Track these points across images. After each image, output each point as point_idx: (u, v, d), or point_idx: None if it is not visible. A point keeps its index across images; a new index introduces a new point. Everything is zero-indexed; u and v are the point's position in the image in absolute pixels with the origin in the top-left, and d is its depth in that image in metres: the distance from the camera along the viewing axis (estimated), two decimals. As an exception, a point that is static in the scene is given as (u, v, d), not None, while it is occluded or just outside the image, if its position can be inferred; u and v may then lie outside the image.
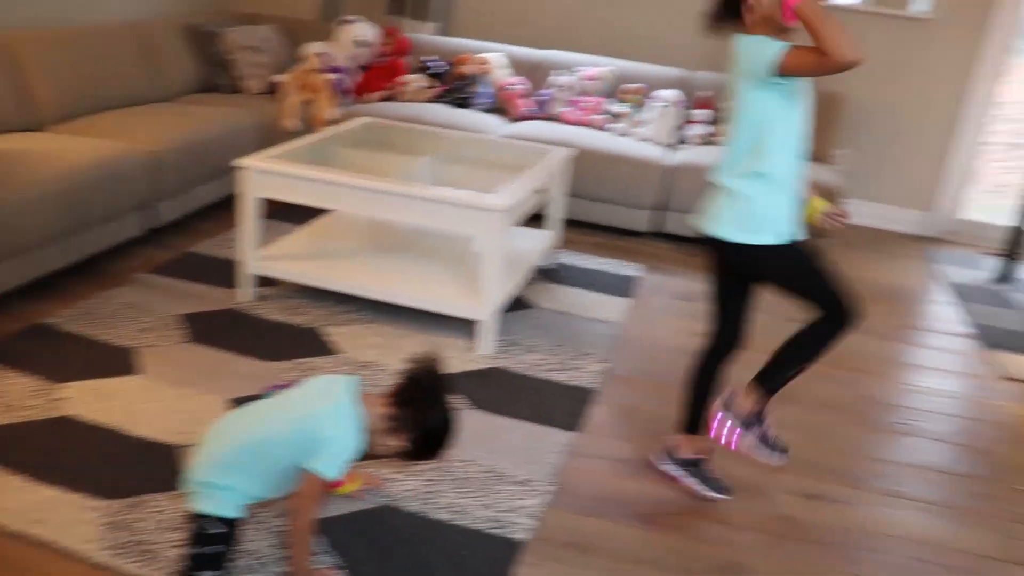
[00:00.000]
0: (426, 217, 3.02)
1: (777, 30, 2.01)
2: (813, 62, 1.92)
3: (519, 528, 2.21)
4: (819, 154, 4.69)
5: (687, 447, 2.43)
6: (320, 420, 1.87)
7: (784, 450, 2.29)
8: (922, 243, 5.18)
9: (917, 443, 2.87)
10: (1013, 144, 7.57)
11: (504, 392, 2.85)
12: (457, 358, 3.03)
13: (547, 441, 2.60)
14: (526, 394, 2.85)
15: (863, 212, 5.33)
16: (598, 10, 5.32)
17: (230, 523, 1.88)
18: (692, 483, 2.42)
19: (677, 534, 2.29)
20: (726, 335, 2.34)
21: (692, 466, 2.43)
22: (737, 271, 2.26)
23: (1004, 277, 4.60)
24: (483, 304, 3.04)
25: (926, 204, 5.31)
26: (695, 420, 2.41)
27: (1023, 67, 6.94)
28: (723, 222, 2.15)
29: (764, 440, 2.25)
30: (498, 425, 2.65)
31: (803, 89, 2.08)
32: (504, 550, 2.13)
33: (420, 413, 1.89)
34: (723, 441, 2.26)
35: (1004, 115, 7.20)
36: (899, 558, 2.29)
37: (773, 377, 2.22)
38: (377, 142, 3.84)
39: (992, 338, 3.80)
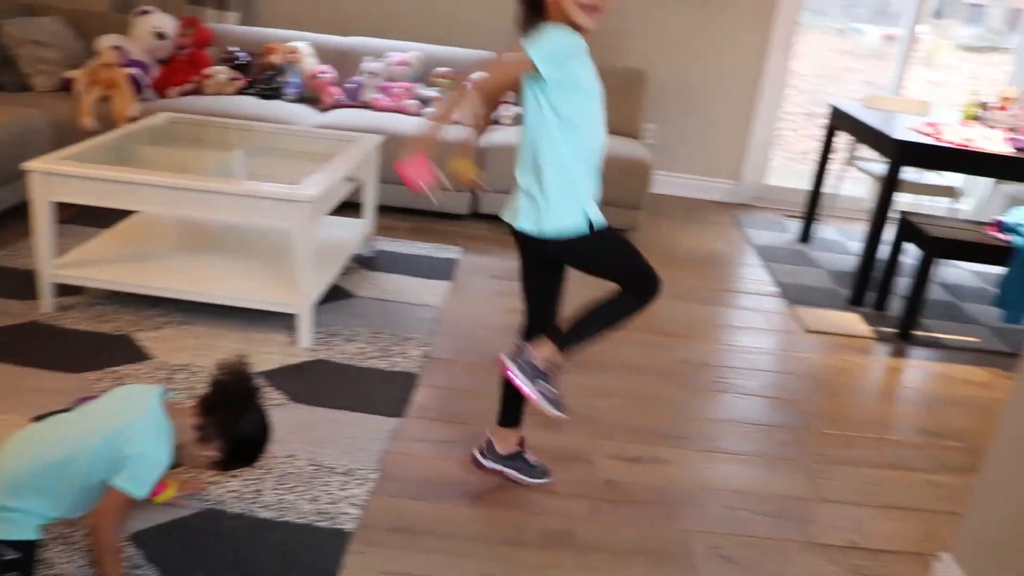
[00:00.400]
0: (233, 212, 2.98)
1: (563, 16, 1.98)
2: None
3: (346, 518, 2.24)
4: (628, 130, 4.91)
5: (506, 441, 2.46)
6: (126, 435, 1.81)
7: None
8: (732, 209, 5.52)
9: (732, 400, 3.09)
10: (809, 113, 8.16)
11: (325, 384, 2.86)
12: (276, 353, 3.02)
13: (370, 429, 2.64)
14: (347, 384, 2.88)
15: (675, 184, 5.62)
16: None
17: (28, 547, 1.80)
18: (514, 474, 2.46)
19: (504, 508, 2.38)
20: (540, 325, 2.34)
21: (512, 459, 2.47)
22: (542, 259, 2.28)
23: (804, 237, 4.98)
24: (299, 297, 3.03)
25: (734, 173, 5.66)
26: (511, 413, 2.45)
27: (810, 42, 7.46)
28: (524, 216, 2.14)
29: (548, 396, 2.25)
30: (320, 417, 2.67)
31: (587, 88, 2.08)
32: (333, 541, 2.16)
33: (227, 420, 1.88)
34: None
35: (799, 87, 7.72)
36: (719, 509, 2.46)
37: (568, 338, 2.23)
38: (180, 138, 3.74)
39: (795, 295, 4.11)
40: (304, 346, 3.08)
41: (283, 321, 3.17)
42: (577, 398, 2.87)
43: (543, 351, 2.23)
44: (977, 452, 2.85)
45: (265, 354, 3.01)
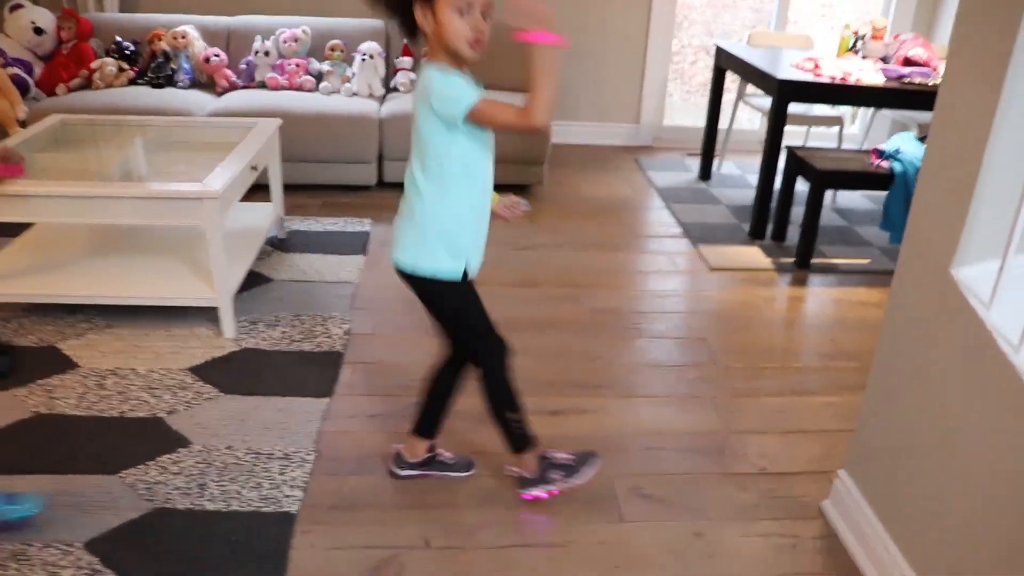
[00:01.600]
0: (139, 216, 2.99)
1: (453, 58, 1.93)
2: (506, 120, 1.89)
3: (290, 501, 2.33)
4: (524, 86, 4.99)
5: (414, 450, 2.46)
6: None
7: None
8: (634, 153, 5.68)
9: (644, 344, 3.25)
10: (704, 47, 8.32)
11: (252, 372, 2.93)
12: (202, 347, 3.07)
13: (302, 412, 2.73)
14: (275, 370, 2.95)
15: (576, 132, 5.75)
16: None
17: None
18: (437, 475, 2.50)
19: (435, 473, 2.51)
20: (454, 348, 2.33)
21: (425, 464, 2.48)
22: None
23: (705, 175, 5.16)
24: (217, 290, 3.08)
25: (632, 116, 5.80)
26: (427, 424, 2.43)
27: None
28: (400, 249, 2.11)
29: (568, 476, 2.38)
30: (252, 406, 2.75)
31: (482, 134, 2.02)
32: (280, 525, 2.25)
33: None
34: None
35: (693, 19, 7.87)
36: (638, 452, 2.62)
37: (514, 440, 2.33)
38: (75, 140, 3.69)
39: (699, 234, 4.30)
40: (228, 337, 3.14)
41: (205, 314, 3.21)
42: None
43: (526, 464, 2.37)
44: (869, 370, 3.08)
45: (191, 349, 3.06)
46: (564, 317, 3.42)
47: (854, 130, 5.95)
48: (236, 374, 2.92)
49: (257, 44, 4.80)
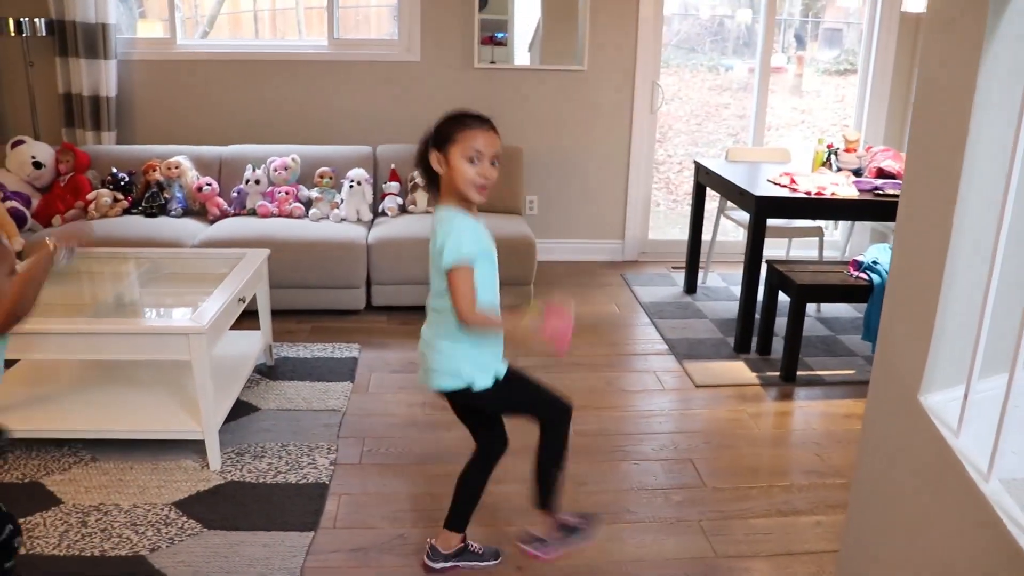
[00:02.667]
0: (125, 351, 3.03)
1: (462, 199, 2.23)
2: (457, 304, 2.19)
3: (269, 642, 2.31)
4: (511, 207, 5.12)
5: (448, 542, 2.58)
6: None
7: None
8: (620, 268, 5.76)
9: (629, 467, 3.24)
10: (689, 155, 8.54)
11: (237, 506, 2.92)
12: (187, 481, 3.06)
13: (286, 547, 2.70)
14: (260, 503, 2.94)
15: (563, 249, 5.85)
16: (276, 102, 5.48)
17: None
18: (468, 565, 2.60)
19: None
20: (487, 442, 2.55)
21: (458, 555, 2.59)
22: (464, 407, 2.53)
23: (690, 288, 5.23)
24: (202, 424, 3.09)
25: (617, 232, 5.91)
26: (459, 518, 2.57)
27: (685, 81, 7.86)
28: (438, 375, 2.35)
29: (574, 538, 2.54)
30: (235, 541, 2.72)
31: (490, 254, 2.30)
32: (257, 668, 2.22)
33: None
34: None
35: (678, 128, 8.09)
36: (616, 579, 2.59)
37: (543, 499, 2.50)
38: (66, 272, 3.74)
39: (684, 350, 4.33)
40: (214, 469, 3.14)
41: (192, 446, 3.22)
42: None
43: (544, 524, 2.52)
44: (858, 486, 3.07)
45: (177, 483, 3.06)
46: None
47: (836, 236, 6.06)
48: (221, 508, 2.91)
49: (248, 173, 4.93)
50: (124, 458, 3.20)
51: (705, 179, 4.95)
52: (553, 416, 2.44)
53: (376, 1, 5.95)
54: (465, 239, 2.18)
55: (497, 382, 2.35)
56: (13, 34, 5.03)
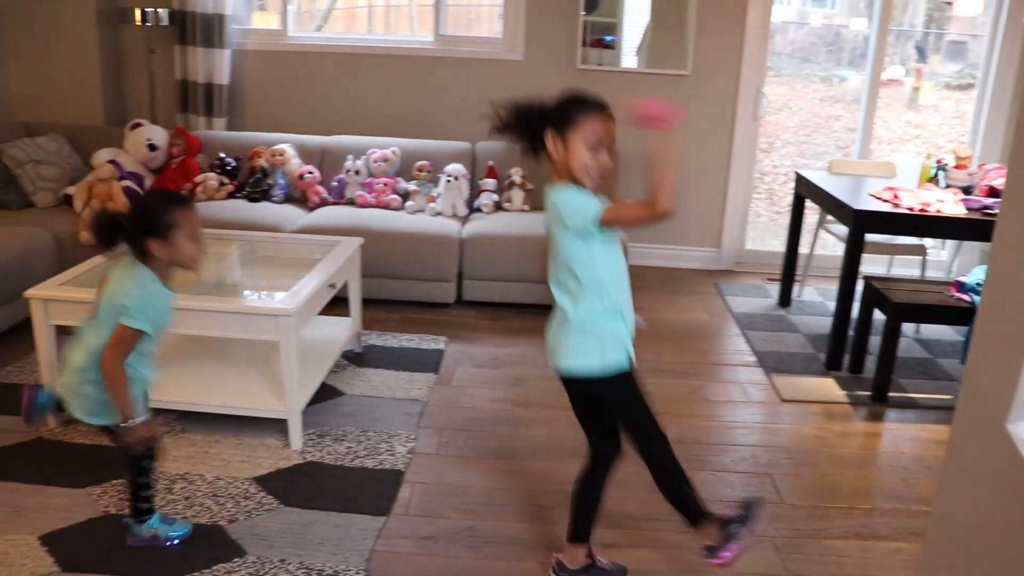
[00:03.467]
0: (218, 328, 3.15)
1: (571, 176, 2.15)
2: (636, 215, 2.11)
3: (334, 620, 2.36)
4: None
5: (575, 557, 2.51)
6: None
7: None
8: (714, 277, 5.68)
9: (707, 477, 3.18)
10: (795, 166, 8.36)
11: (314, 486, 3.00)
12: (269, 458, 3.16)
13: (357, 529, 2.76)
14: (336, 485, 3.01)
15: (656, 255, 5.80)
16: (380, 95, 5.60)
17: None
18: None
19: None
20: (602, 449, 2.44)
21: (587, 571, 2.52)
22: (585, 397, 2.41)
23: (784, 301, 5.12)
24: (287, 404, 3.18)
25: (714, 240, 5.83)
26: (580, 530, 2.49)
27: (797, 92, 7.67)
28: (568, 355, 2.25)
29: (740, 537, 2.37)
30: (308, 520, 2.80)
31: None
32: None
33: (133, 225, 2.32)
34: None
35: (786, 139, 7.92)
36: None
37: (691, 514, 2.39)
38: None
39: (773, 363, 4.24)
40: (295, 449, 3.23)
41: (276, 425, 3.31)
42: (554, 486, 3.00)
43: (707, 533, 2.36)
44: (944, 515, 2.96)
45: (259, 459, 3.16)
46: (627, 446, 3.38)
47: (943, 256, 5.83)
48: (298, 487, 2.99)
49: (348, 163, 5.05)
50: (211, 432, 3.32)
51: (805, 190, 4.84)
52: (656, 434, 2.33)
53: (488, 0, 6.01)
54: (582, 199, 2.12)
55: (625, 372, 2.25)
56: (139, 23, 5.28)
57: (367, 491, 2.98)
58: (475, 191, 5.15)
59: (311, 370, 3.47)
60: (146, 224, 2.29)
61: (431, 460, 3.23)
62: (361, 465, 3.14)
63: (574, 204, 2.12)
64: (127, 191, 4.77)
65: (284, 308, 3.07)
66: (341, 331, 3.89)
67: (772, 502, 3.05)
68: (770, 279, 5.59)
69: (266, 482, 3.01)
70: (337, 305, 3.86)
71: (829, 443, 3.50)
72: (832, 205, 4.34)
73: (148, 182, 5.04)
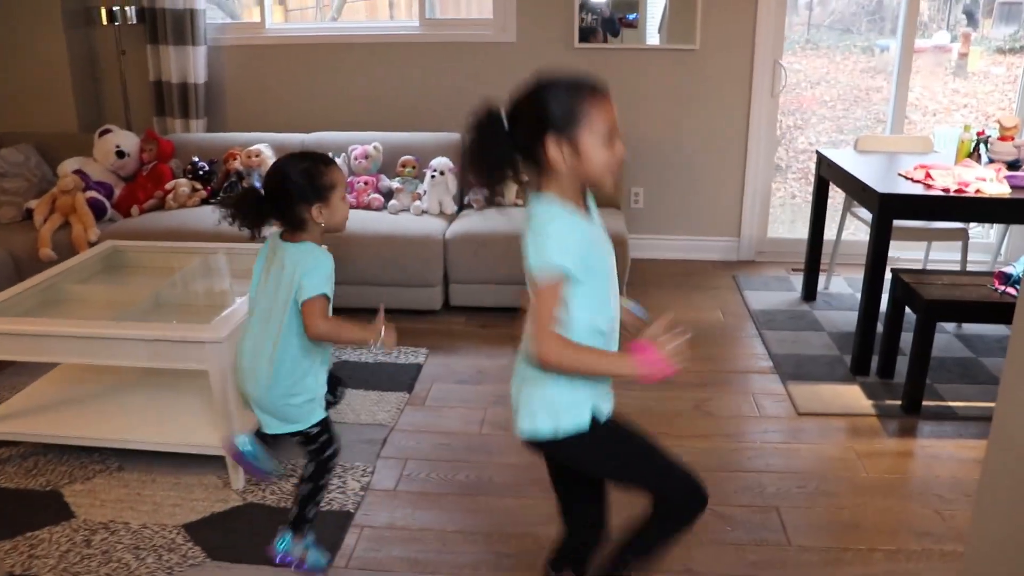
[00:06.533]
0: (142, 358, 2.79)
1: (575, 189, 1.73)
2: (538, 325, 1.66)
3: None
4: (610, 201, 4.65)
5: None
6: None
7: None
8: (733, 268, 5.20)
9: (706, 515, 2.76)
10: (831, 143, 7.82)
11: (249, 534, 2.63)
12: (204, 500, 2.81)
13: (288, 589, 2.40)
14: (273, 532, 2.61)
15: (671, 247, 5.35)
16: (365, 86, 5.22)
17: (325, 422, 2.39)
18: None
19: None
20: (572, 530, 2.05)
21: None
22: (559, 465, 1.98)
23: (809, 294, 4.63)
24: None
25: (733, 229, 5.35)
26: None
27: (836, 64, 7.18)
28: (521, 415, 1.81)
29: None
30: (235, 577, 2.44)
31: (599, 266, 1.77)
32: None
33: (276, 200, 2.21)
34: None
35: (823, 115, 7.41)
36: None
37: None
38: (115, 270, 3.61)
39: (790, 369, 3.77)
40: (236, 488, 2.87)
41: (218, 461, 2.96)
42: (520, 528, 2.60)
43: None
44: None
45: (194, 501, 2.81)
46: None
47: (991, 237, 5.27)
48: (231, 535, 2.63)
49: (328, 162, 4.67)
50: (148, 469, 2.99)
51: (827, 172, 4.34)
52: (678, 497, 1.83)
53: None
54: (558, 241, 1.66)
55: (596, 425, 1.77)
56: (106, 23, 4.98)
57: (307, 540, 2.61)
58: (466, 186, 4.74)
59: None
60: (310, 189, 2.15)
61: (386, 499, 2.84)
62: (305, 508, 2.77)
63: (546, 240, 1.65)
64: (92, 202, 4.46)
65: (210, 335, 2.70)
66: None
67: (776, 544, 2.60)
68: (795, 269, 5.09)
69: (196, 530, 2.66)
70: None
71: (850, 466, 3.03)
72: (856, 188, 3.85)
73: (118, 191, 4.73)
